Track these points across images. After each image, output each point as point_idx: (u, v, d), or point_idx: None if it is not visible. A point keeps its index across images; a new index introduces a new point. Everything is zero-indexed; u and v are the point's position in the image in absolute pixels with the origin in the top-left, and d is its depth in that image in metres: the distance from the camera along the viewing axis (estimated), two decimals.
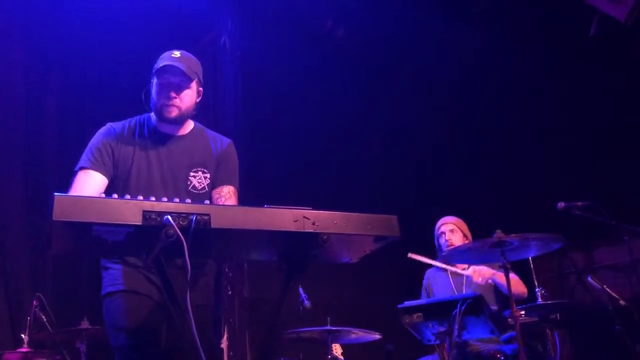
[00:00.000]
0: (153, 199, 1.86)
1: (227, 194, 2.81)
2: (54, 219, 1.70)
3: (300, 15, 6.09)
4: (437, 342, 3.67)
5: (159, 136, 2.83)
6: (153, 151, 2.79)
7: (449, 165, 6.60)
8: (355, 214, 2.04)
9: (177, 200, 1.88)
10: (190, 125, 2.92)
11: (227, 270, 5.28)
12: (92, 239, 1.82)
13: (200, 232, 1.84)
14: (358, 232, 2.03)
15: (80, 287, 5.08)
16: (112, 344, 2.61)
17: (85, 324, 4.12)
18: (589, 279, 4.44)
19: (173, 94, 2.75)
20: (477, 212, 5.10)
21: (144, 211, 1.79)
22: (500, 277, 4.08)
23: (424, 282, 4.67)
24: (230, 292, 5.27)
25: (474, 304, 3.48)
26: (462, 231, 4.59)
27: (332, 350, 4.28)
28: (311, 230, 1.95)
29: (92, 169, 2.67)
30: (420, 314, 3.66)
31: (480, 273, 4.22)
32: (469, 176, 6.45)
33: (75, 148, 2.82)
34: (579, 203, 4.07)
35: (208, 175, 2.83)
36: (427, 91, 6.50)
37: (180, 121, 2.83)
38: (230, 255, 3.03)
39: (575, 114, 5.99)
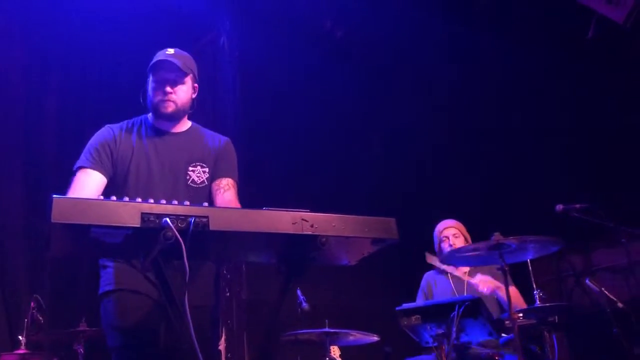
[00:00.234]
0: (151, 201, 1.86)
1: (226, 186, 2.82)
2: (52, 221, 1.70)
3: (299, 16, 6.08)
4: (436, 344, 3.66)
5: (156, 133, 2.85)
6: (151, 148, 2.80)
7: (448, 165, 6.60)
8: (353, 217, 2.04)
9: (176, 202, 1.88)
10: (187, 123, 2.95)
11: (225, 272, 5.27)
12: (91, 241, 1.82)
13: (199, 234, 1.84)
14: (356, 234, 2.03)
15: (78, 289, 5.05)
16: (109, 344, 2.60)
17: (83, 326, 4.10)
18: (587, 281, 4.44)
19: (169, 89, 2.78)
20: (476, 213, 5.10)
21: (142, 213, 1.79)
22: (503, 291, 4.07)
23: (423, 283, 4.66)
24: (228, 294, 5.25)
25: (472, 307, 3.48)
26: (463, 235, 4.60)
27: (331, 353, 4.28)
28: (309, 233, 1.95)
29: (91, 168, 2.68)
30: (418, 316, 3.66)
31: (486, 284, 4.23)
32: (469, 176, 6.45)
33: (75, 148, 2.82)
34: (577, 205, 4.07)
35: (207, 170, 2.83)
36: (427, 91, 6.50)
37: (177, 117, 2.85)
38: (229, 257, 3.04)
39: (575, 115, 5.98)
